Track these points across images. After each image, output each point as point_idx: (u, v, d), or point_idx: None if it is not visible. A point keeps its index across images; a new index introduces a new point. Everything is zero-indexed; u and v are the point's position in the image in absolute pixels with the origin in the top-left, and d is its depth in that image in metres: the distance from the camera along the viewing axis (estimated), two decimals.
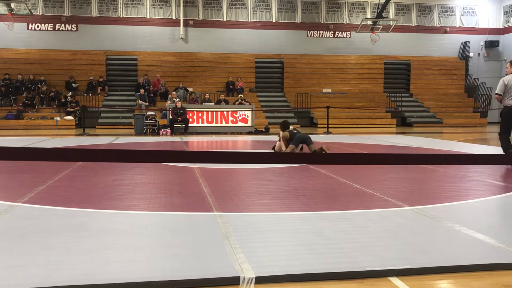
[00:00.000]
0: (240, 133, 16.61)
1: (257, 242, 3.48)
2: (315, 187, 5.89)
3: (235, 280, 2.77)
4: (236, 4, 23.83)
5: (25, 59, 22.18)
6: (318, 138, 11.62)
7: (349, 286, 2.78)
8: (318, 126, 20.67)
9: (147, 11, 23.19)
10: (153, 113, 17.03)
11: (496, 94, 7.87)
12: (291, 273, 2.87)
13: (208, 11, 23.65)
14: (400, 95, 23.77)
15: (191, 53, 23.51)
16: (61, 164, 7.30)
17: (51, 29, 22.59)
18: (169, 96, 19.37)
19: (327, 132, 17.00)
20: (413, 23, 25.36)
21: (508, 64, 8.02)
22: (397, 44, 25.03)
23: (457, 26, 25.70)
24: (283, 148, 9.50)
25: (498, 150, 10.45)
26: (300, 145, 9.45)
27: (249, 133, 16.71)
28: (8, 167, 7.24)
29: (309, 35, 24.61)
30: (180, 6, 23.12)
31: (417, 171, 7.08)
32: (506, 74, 7.99)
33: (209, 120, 16.77)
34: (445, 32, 25.57)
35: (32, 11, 21.46)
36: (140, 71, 22.67)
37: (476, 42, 25.81)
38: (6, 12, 20.27)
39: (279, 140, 9.67)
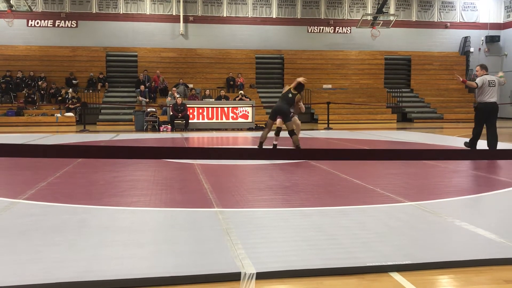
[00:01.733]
0: (241, 129, 16.60)
1: (258, 238, 3.48)
2: (315, 183, 5.90)
3: (236, 276, 2.78)
4: None
5: (25, 56, 22.16)
6: (319, 134, 11.60)
7: (349, 281, 2.78)
8: (319, 122, 20.65)
9: (147, 7, 23.15)
10: (154, 109, 17.03)
11: (476, 83, 8.73)
12: (292, 268, 2.88)
13: (208, 7, 23.60)
14: (400, 90, 23.74)
15: (191, 49, 23.47)
16: (61, 161, 7.30)
17: (51, 25, 22.56)
18: (170, 92, 19.36)
19: (328, 128, 16.98)
20: (414, 18, 25.29)
21: (478, 67, 9.06)
22: (397, 40, 24.98)
23: (458, 21, 25.63)
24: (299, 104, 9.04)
25: (499, 145, 10.44)
26: (279, 118, 8.74)
27: (250, 129, 16.70)
28: (8, 164, 7.24)
29: (309, 31, 24.55)
30: (180, 2, 23.06)
31: (418, 166, 7.08)
32: (477, 76, 8.98)
33: (210, 116, 16.76)
34: (446, 27, 25.51)
35: (32, 7, 21.43)
36: (140, 68, 22.64)
37: (477, 37, 25.74)
38: (6, 9, 20.25)
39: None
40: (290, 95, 8.64)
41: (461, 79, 9.32)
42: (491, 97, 8.69)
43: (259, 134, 14.42)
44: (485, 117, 8.83)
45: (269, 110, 20.47)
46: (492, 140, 8.74)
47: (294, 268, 2.88)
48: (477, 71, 9.13)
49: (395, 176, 6.35)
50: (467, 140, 9.37)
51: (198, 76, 23.08)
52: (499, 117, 9.65)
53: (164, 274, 2.79)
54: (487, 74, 8.87)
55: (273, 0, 24.05)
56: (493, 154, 2.55)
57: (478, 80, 8.71)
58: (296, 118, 9.25)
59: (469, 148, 8.93)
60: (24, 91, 20.55)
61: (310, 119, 22.14)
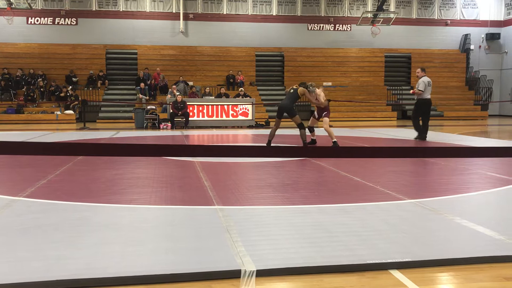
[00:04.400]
0: (241, 127, 16.60)
1: (258, 235, 3.48)
2: (315, 180, 5.90)
3: (236, 273, 2.78)
4: None
5: (25, 53, 22.14)
6: (319, 132, 11.60)
7: (349, 279, 2.78)
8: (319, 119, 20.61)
9: (147, 5, 23.11)
10: (154, 107, 17.02)
11: (419, 90, 10.62)
12: (292, 266, 2.88)
13: (208, 4, 23.56)
14: (400, 88, 23.73)
15: (191, 47, 23.44)
16: (62, 158, 7.31)
17: (51, 23, 22.53)
18: (170, 90, 19.35)
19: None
20: (414, 16, 25.26)
21: (419, 69, 10.88)
22: (397, 37, 24.94)
23: (458, 18, 25.59)
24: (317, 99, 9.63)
25: (499, 143, 10.45)
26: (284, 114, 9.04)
27: (250, 126, 16.70)
28: (9, 161, 7.24)
29: (309, 28, 24.52)
30: None
31: (418, 164, 7.08)
32: (418, 77, 10.75)
33: (210, 114, 16.75)
34: (446, 24, 25.47)
35: (32, 5, 21.40)
36: (140, 65, 22.62)
37: (477, 34, 25.71)
38: (5, 6, 20.22)
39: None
40: (291, 90, 9.27)
41: (411, 91, 10.93)
42: (429, 94, 10.72)
43: (259, 131, 14.43)
44: (427, 111, 10.79)
45: (269, 108, 20.59)
46: (426, 130, 10.82)
47: (295, 266, 2.88)
48: (417, 72, 10.86)
49: (395, 173, 6.36)
50: (417, 134, 10.93)
51: (198, 74, 23.06)
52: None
53: (164, 271, 2.79)
54: (425, 75, 10.69)
55: None
56: (494, 151, 2.55)
57: (420, 85, 10.59)
58: (326, 118, 9.95)
59: (423, 139, 10.81)
60: (24, 89, 20.54)
61: (310, 116, 22.11)
